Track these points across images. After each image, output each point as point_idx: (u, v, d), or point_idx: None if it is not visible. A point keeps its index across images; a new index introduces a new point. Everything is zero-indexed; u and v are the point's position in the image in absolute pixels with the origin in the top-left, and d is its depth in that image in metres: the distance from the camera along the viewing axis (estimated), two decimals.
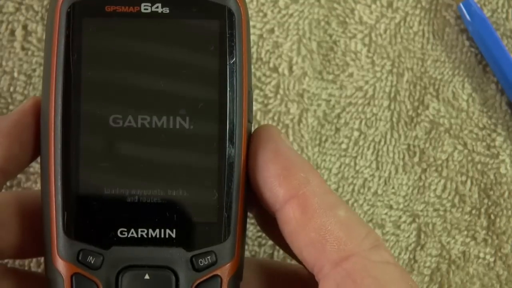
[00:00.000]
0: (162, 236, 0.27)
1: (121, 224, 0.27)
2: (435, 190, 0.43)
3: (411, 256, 0.42)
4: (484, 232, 0.43)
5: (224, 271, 0.28)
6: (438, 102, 0.43)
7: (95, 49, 0.28)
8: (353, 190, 0.42)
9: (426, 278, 0.42)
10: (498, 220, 0.43)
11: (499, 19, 0.43)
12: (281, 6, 0.42)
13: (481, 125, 0.43)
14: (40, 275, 0.33)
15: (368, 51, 0.43)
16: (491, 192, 0.43)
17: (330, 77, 0.43)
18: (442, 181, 0.43)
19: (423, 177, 0.43)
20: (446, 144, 0.43)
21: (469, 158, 0.43)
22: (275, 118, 0.42)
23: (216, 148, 0.28)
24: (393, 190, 0.43)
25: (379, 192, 0.42)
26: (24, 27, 0.41)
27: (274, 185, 0.27)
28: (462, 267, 0.43)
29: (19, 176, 0.40)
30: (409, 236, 0.42)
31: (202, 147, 0.28)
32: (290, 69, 0.42)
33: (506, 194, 0.43)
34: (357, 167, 0.42)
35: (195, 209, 0.28)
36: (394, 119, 0.43)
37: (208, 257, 0.28)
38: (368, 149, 0.43)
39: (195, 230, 0.28)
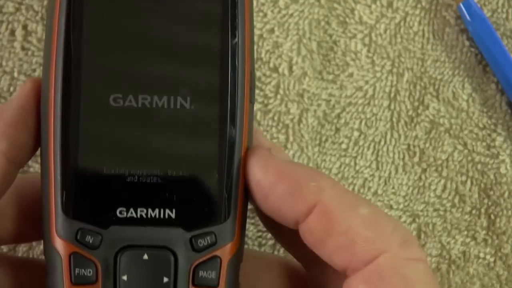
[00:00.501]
0: (162, 216, 0.27)
1: (120, 204, 0.27)
2: (435, 190, 0.43)
3: None
4: (484, 232, 0.43)
5: (224, 252, 0.28)
6: (438, 102, 0.43)
7: (95, 28, 0.28)
8: (353, 190, 0.42)
9: None
10: (498, 220, 0.43)
11: (499, 19, 0.43)
12: (281, 6, 0.42)
13: (481, 125, 0.43)
14: (36, 262, 0.33)
15: (368, 51, 0.43)
16: (491, 192, 0.43)
17: (330, 77, 0.43)
18: (442, 181, 0.43)
19: (423, 177, 0.43)
20: (446, 144, 0.43)
21: (469, 158, 0.43)
22: (275, 118, 0.42)
23: (217, 128, 0.28)
24: (393, 190, 0.43)
25: (379, 192, 0.42)
26: (24, 27, 0.41)
27: (290, 205, 0.27)
28: (462, 267, 0.43)
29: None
30: None
31: (203, 127, 0.28)
32: (290, 69, 0.42)
33: (506, 194, 0.43)
34: (357, 167, 0.42)
35: (195, 189, 0.27)
36: (394, 119, 0.43)
37: (208, 238, 0.27)
38: (368, 149, 0.43)
39: (194, 210, 0.27)
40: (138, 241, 0.27)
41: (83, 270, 0.27)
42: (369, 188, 0.42)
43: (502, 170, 0.43)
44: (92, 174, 0.27)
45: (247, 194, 0.28)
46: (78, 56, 0.27)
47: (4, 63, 0.41)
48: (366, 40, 0.43)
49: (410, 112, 0.43)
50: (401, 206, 0.43)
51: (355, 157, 0.42)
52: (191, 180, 0.27)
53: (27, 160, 0.29)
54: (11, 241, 0.30)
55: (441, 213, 0.43)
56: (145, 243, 0.27)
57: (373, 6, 0.43)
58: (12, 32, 0.41)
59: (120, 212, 0.27)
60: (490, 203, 0.43)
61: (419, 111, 0.43)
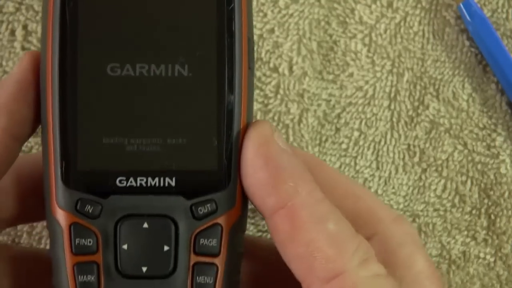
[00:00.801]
0: (161, 184, 0.27)
1: (119, 173, 0.27)
2: (435, 190, 0.43)
3: None
4: (484, 232, 0.43)
5: (225, 220, 0.27)
6: (438, 102, 0.43)
7: None
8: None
9: None
10: (498, 220, 0.43)
11: (499, 19, 0.43)
12: (281, 6, 0.42)
13: (481, 125, 0.43)
14: (36, 252, 0.33)
15: (368, 51, 0.43)
16: (491, 192, 0.43)
17: (330, 77, 0.43)
18: (442, 181, 0.43)
19: (423, 177, 0.43)
20: (446, 144, 0.43)
21: (469, 158, 0.43)
22: (275, 118, 0.42)
23: (215, 95, 0.27)
24: (393, 190, 0.43)
25: (379, 192, 0.42)
26: (24, 27, 0.41)
27: (264, 193, 0.27)
28: (462, 267, 0.43)
29: None
30: None
31: (201, 94, 0.27)
32: (290, 69, 0.42)
33: (506, 194, 0.43)
34: (357, 167, 0.42)
35: (194, 157, 0.27)
36: (394, 119, 0.43)
37: (208, 205, 0.27)
38: (368, 149, 0.43)
39: (194, 178, 0.27)
40: (138, 210, 0.27)
41: (83, 240, 0.27)
42: (369, 188, 0.42)
43: (502, 170, 0.43)
44: (91, 143, 0.27)
45: None
46: (75, 26, 0.27)
47: (4, 63, 0.41)
48: (366, 40, 0.43)
49: (410, 112, 0.43)
50: (401, 206, 0.43)
51: (355, 157, 0.42)
52: (190, 148, 0.27)
53: (29, 135, 0.29)
54: (14, 221, 0.30)
55: (441, 213, 0.43)
56: (145, 211, 0.27)
57: (373, 6, 0.43)
58: (12, 32, 0.41)
59: (120, 181, 0.27)
60: (490, 203, 0.43)
61: (419, 111, 0.43)
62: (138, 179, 0.27)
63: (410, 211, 0.43)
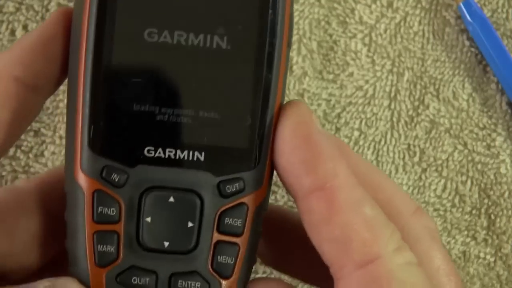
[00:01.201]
0: (190, 158, 0.26)
1: (148, 143, 0.26)
2: (435, 190, 0.43)
3: None
4: (484, 232, 0.43)
5: (251, 200, 0.27)
6: (438, 102, 0.43)
7: None
8: None
9: None
10: (498, 220, 0.43)
11: (499, 19, 0.43)
12: None
13: (481, 125, 0.43)
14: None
15: (368, 50, 0.43)
16: (491, 192, 0.43)
17: (330, 76, 0.43)
18: (442, 181, 0.43)
19: (423, 177, 0.43)
20: (446, 144, 0.43)
21: (469, 158, 0.43)
22: None
23: (253, 71, 0.27)
24: None
25: None
26: (25, 27, 0.41)
27: (301, 173, 0.26)
28: (462, 267, 0.43)
29: (20, 175, 0.40)
30: None
31: (238, 69, 0.27)
32: (291, 68, 0.42)
33: (506, 194, 0.43)
34: None
35: (226, 133, 0.27)
36: (394, 119, 0.43)
37: (236, 184, 0.27)
38: (368, 148, 0.43)
39: (224, 155, 0.27)
40: (164, 182, 0.26)
41: (106, 208, 0.26)
42: None
43: (502, 170, 0.43)
44: (122, 110, 0.26)
45: None
46: None
47: None
48: (366, 40, 0.43)
49: (410, 112, 0.43)
50: None
51: None
52: (223, 124, 0.27)
53: (52, 89, 0.28)
54: (37, 250, 0.30)
55: (441, 213, 0.43)
56: (171, 185, 0.26)
57: (373, 6, 0.43)
58: (13, 32, 0.41)
59: (148, 151, 0.26)
60: (490, 203, 0.43)
61: (419, 110, 0.43)
62: (167, 150, 0.26)
63: None
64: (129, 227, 0.26)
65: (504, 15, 0.44)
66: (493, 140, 0.43)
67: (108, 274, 0.26)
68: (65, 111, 0.40)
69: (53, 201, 0.29)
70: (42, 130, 0.41)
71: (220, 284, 0.27)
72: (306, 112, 0.27)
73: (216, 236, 0.27)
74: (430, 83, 0.43)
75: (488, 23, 0.43)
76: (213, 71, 0.27)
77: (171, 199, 0.26)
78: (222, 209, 0.27)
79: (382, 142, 0.43)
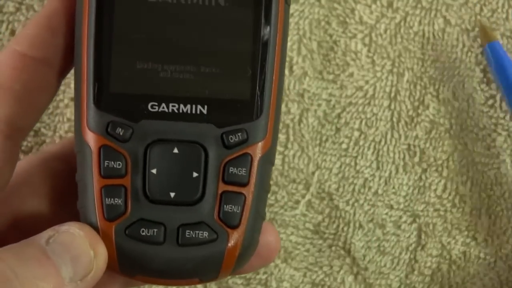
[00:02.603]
0: (193, 111, 0.27)
1: (152, 98, 0.27)
2: (435, 190, 0.43)
3: (412, 256, 0.42)
4: (484, 232, 0.43)
5: (255, 150, 0.27)
6: (438, 102, 0.43)
7: None
8: (353, 190, 0.42)
9: (427, 279, 0.42)
10: (498, 220, 0.43)
11: (499, 19, 0.43)
12: None
13: (481, 125, 0.43)
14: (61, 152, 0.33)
15: (369, 51, 0.43)
16: (492, 192, 0.43)
17: (331, 77, 0.43)
18: (443, 181, 0.43)
19: (423, 177, 0.43)
20: (447, 144, 0.43)
21: (470, 158, 0.43)
22: None
23: (251, 25, 0.27)
24: (393, 190, 0.43)
25: (380, 192, 0.42)
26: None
27: None
28: (462, 268, 0.43)
29: None
30: (409, 236, 0.42)
31: (237, 24, 0.27)
32: (291, 69, 0.42)
33: (507, 194, 0.43)
34: (358, 167, 0.42)
35: (227, 86, 0.27)
36: (395, 119, 0.43)
37: (239, 134, 0.27)
38: (369, 149, 0.43)
39: (227, 107, 0.27)
40: (168, 135, 0.27)
41: (112, 162, 0.27)
42: (370, 188, 0.42)
43: (503, 170, 0.43)
44: (125, 67, 0.27)
45: (281, 92, 0.28)
46: None
47: None
48: (366, 40, 0.43)
49: (411, 112, 0.43)
50: (402, 206, 0.43)
51: (356, 157, 0.42)
52: (224, 77, 0.27)
53: (62, 63, 0.28)
54: (45, 218, 0.30)
55: (442, 213, 0.43)
56: (175, 137, 0.27)
57: (373, 6, 0.43)
58: (13, 32, 0.41)
59: (152, 107, 0.27)
60: (490, 203, 0.43)
61: (419, 111, 0.43)
62: (170, 105, 0.27)
63: (410, 211, 0.43)
64: (135, 180, 0.27)
65: (504, 15, 0.44)
66: (493, 140, 0.43)
67: (117, 227, 0.27)
68: (65, 111, 0.40)
69: (56, 172, 0.30)
70: (42, 130, 0.41)
71: (228, 233, 0.27)
72: None
73: (222, 187, 0.27)
74: (430, 83, 0.43)
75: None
76: (213, 27, 0.27)
77: (176, 151, 0.27)
78: (227, 159, 0.27)
79: (382, 142, 0.43)
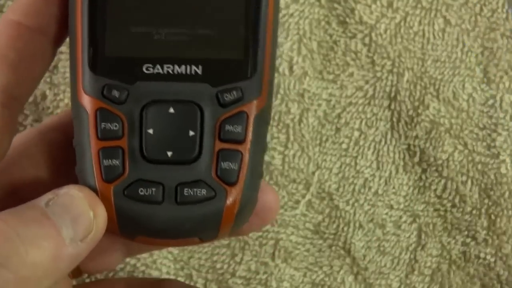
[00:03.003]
0: (188, 72, 0.27)
1: (146, 60, 0.27)
2: (435, 190, 0.43)
3: (412, 256, 0.42)
4: (484, 232, 0.43)
5: (250, 108, 0.28)
6: (438, 102, 0.43)
7: None
8: (353, 190, 0.42)
9: (427, 278, 0.42)
10: (498, 220, 0.43)
11: (499, 19, 0.44)
12: (281, 6, 0.42)
13: (481, 125, 0.43)
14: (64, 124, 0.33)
15: (368, 51, 0.43)
16: (492, 192, 0.43)
17: (331, 76, 0.43)
18: (443, 181, 0.43)
19: (423, 177, 0.43)
20: (447, 144, 0.43)
21: (470, 158, 0.43)
22: (276, 117, 0.42)
23: None
24: (393, 190, 0.43)
25: (380, 192, 0.42)
26: None
27: None
28: (462, 267, 0.43)
29: None
30: (409, 236, 0.42)
31: None
32: (291, 69, 0.42)
33: (507, 194, 0.43)
34: (358, 167, 0.42)
35: (221, 45, 0.28)
36: (395, 119, 0.43)
37: (234, 92, 0.27)
38: (369, 149, 0.43)
39: (221, 66, 0.27)
40: (164, 96, 0.27)
41: (109, 124, 0.27)
42: (370, 188, 0.42)
43: (503, 170, 0.43)
44: (118, 30, 0.27)
45: (275, 52, 0.28)
46: None
47: None
48: (366, 40, 0.43)
49: (411, 112, 0.43)
50: (402, 206, 0.43)
51: (356, 157, 0.42)
52: (218, 36, 0.27)
53: (57, 31, 0.29)
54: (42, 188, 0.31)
55: (442, 213, 0.43)
56: (171, 97, 0.27)
57: (373, 6, 0.43)
58: None
59: (147, 68, 0.27)
60: (490, 203, 0.43)
61: (419, 111, 0.43)
62: (165, 66, 0.27)
63: (410, 211, 0.43)
64: (132, 141, 0.27)
65: (504, 15, 0.44)
66: (493, 140, 0.43)
67: (116, 189, 0.27)
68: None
69: (54, 143, 0.30)
70: None
71: (226, 191, 0.27)
72: None
73: (218, 145, 0.27)
74: (430, 83, 0.43)
75: None
76: None
77: (171, 110, 0.27)
78: (222, 118, 0.27)
79: (382, 142, 0.43)
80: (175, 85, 0.27)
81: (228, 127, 0.27)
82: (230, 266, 0.41)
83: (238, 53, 0.28)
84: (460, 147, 0.43)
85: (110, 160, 0.27)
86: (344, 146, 0.42)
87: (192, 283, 0.41)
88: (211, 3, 0.28)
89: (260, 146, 0.28)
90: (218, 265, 0.41)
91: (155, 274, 0.41)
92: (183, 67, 0.27)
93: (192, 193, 0.27)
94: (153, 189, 0.27)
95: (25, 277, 0.24)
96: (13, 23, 0.28)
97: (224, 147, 0.27)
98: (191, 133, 0.27)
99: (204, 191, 0.27)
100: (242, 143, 0.28)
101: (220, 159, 0.27)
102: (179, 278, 0.41)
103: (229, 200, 0.27)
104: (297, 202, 0.42)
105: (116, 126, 0.27)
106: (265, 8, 0.28)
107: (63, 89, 0.40)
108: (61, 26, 0.28)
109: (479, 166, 0.43)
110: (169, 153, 0.27)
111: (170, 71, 0.27)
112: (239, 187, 0.28)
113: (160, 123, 0.27)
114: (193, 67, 0.27)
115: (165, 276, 0.41)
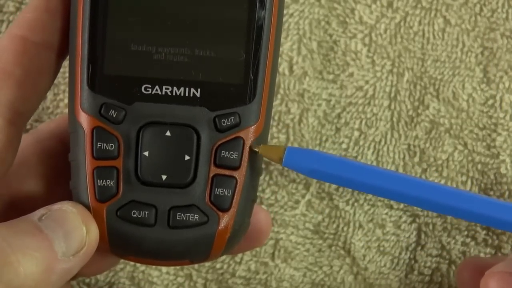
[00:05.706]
0: (187, 94, 0.27)
1: (145, 80, 0.27)
2: None
3: (412, 256, 0.42)
4: (484, 232, 0.43)
5: (248, 134, 0.28)
6: (438, 102, 0.43)
7: None
8: (353, 189, 0.42)
9: (427, 278, 0.42)
10: None
11: (499, 19, 0.43)
12: None
13: (481, 125, 0.43)
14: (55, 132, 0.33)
15: (368, 51, 0.43)
16: (492, 192, 0.43)
17: (331, 77, 0.43)
18: (443, 181, 0.43)
19: (423, 177, 0.43)
20: (447, 144, 0.43)
21: (470, 158, 0.43)
22: (276, 117, 0.42)
23: (246, 8, 0.27)
24: None
25: None
26: None
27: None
28: None
29: None
30: (409, 236, 0.42)
31: (231, 6, 0.27)
32: (291, 68, 0.42)
33: (507, 194, 0.43)
34: None
35: (221, 69, 0.27)
36: (395, 119, 0.43)
37: (231, 118, 0.27)
38: (369, 149, 0.43)
39: (219, 90, 0.27)
40: (161, 118, 0.27)
41: (105, 144, 0.27)
42: None
43: (503, 170, 0.43)
44: (118, 49, 0.27)
45: (274, 76, 0.28)
46: None
47: None
48: (366, 40, 0.43)
49: (411, 112, 0.43)
50: (402, 206, 0.43)
51: (356, 157, 0.42)
52: (218, 60, 0.27)
53: (59, 44, 0.29)
54: (39, 195, 0.31)
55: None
56: (168, 120, 0.27)
57: (373, 6, 0.43)
58: None
59: (145, 89, 0.27)
60: None
61: (419, 111, 0.43)
62: (164, 87, 0.27)
63: (410, 211, 0.43)
64: (128, 162, 0.27)
65: (504, 15, 0.44)
66: (493, 140, 0.43)
67: (109, 209, 0.27)
68: (65, 111, 0.40)
69: (49, 151, 0.30)
70: None
71: (218, 216, 0.27)
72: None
73: (213, 170, 0.27)
74: (430, 83, 0.43)
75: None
76: (207, 10, 0.27)
77: (168, 133, 0.27)
78: (219, 143, 0.27)
79: (382, 142, 0.43)
80: (173, 108, 0.27)
81: (224, 153, 0.27)
82: (230, 266, 0.41)
83: (237, 78, 0.27)
84: (460, 147, 0.43)
85: (104, 181, 0.27)
86: (344, 146, 0.42)
87: (192, 283, 0.41)
88: (213, 25, 0.27)
89: (255, 172, 0.28)
90: (218, 265, 0.41)
91: (155, 274, 0.41)
92: (181, 89, 0.27)
93: (184, 217, 0.27)
94: (146, 211, 0.27)
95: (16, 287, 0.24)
96: (18, 38, 0.28)
97: (219, 173, 0.27)
98: (187, 157, 0.27)
99: (196, 216, 0.27)
100: (237, 169, 0.27)
101: (215, 185, 0.27)
102: (179, 278, 0.41)
103: (221, 226, 0.27)
104: (297, 202, 0.42)
105: (112, 146, 0.27)
106: (267, 34, 0.27)
107: (63, 89, 0.40)
108: (65, 39, 0.28)
109: (479, 166, 0.43)
110: (164, 177, 0.27)
111: (169, 93, 0.27)
112: (232, 213, 0.27)
113: (156, 145, 0.27)
114: (192, 90, 0.27)
115: (165, 276, 0.41)
